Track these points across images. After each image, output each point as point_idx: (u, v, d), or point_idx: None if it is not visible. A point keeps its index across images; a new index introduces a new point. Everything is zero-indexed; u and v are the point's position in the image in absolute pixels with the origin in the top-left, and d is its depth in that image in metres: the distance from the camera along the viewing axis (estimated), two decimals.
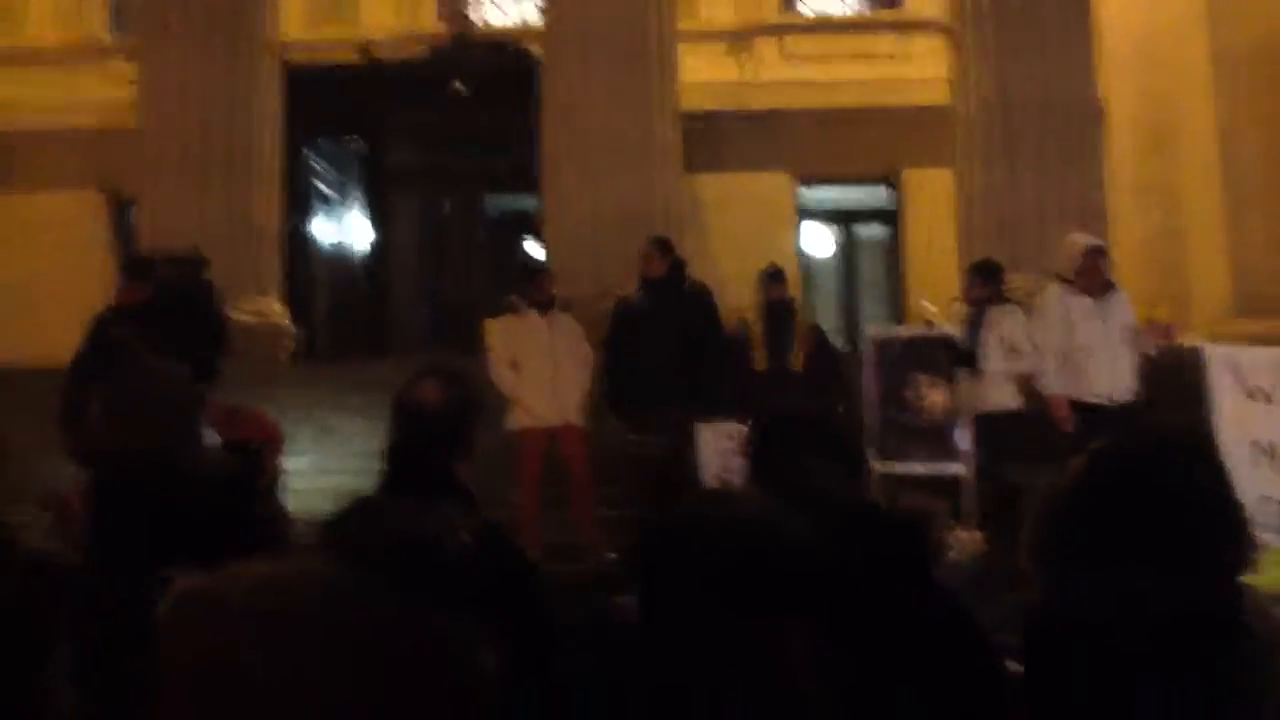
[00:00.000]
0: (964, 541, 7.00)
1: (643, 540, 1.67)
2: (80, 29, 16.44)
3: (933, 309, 10.01)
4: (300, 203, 14.76)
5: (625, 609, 1.68)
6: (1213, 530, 1.98)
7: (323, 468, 8.98)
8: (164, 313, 7.11)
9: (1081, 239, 7.38)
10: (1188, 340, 9.58)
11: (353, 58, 14.81)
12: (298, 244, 14.38)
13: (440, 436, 2.76)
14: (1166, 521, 1.96)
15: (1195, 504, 1.99)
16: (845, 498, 2.52)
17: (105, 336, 7.24)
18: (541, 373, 7.61)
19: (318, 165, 15.80)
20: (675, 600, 1.54)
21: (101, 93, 15.37)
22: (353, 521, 2.12)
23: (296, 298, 13.22)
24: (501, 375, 7.63)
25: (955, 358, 7.47)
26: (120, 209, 15.18)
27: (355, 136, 15.68)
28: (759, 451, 2.70)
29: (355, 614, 0.96)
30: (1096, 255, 7.12)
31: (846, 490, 2.58)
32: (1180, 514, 1.97)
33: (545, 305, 7.84)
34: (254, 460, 4.21)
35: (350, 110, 14.77)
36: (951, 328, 7.84)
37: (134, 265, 7.67)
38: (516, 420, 7.57)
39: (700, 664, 1.49)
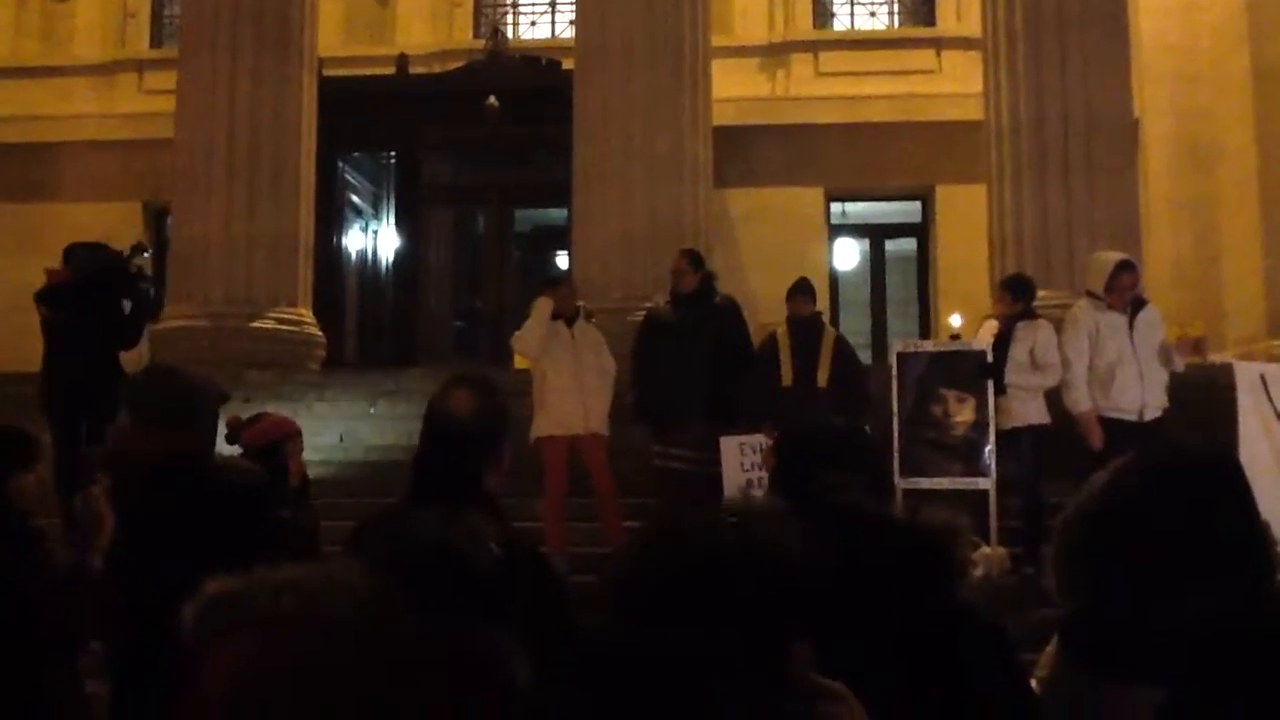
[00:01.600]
0: (989, 558, 6.96)
1: (620, 558, 1.65)
2: (122, 44, 16.71)
3: (955, 327, 9.96)
4: (334, 215, 14.90)
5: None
6: (1233, 547, 1.97)
7: (348, 474, 9.06)
8: (79, 289, 8.04)
9: (1110, 255, 7.32)
10: (1220, 358, 9.49)
11: (388, 72, 14.96)
12: (331, 255, 14.52)
13: (471, 447, 2.76)
14: (1186, 538, 1.96)
15: (1215, 521, 1.98)
16: (868, 512, 2.52)
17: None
18: (565, 383, 7.64)
19: (352, 178, 15.95)
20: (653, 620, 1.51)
21: (140, 105, 15.62)
22: (381, 530, 2.14)
23: (329, 308, 13.34)
24: (529, 333, 7.66)
25: (981, 372, 7.43)
26: (157, 218, 15.39)
27: (390, 151, 15.82)
28: (781, 465, 2.71)
29: (384, 620, 0.96)
30: (1125, 271, 7.07)
31: (869, 504, 2.58)
32: (1200, 531, 1.96)
33: (570, 317, 7.87)
34: (280, 463, 4.25)
35: (385, 124, 14.91)
36: (981, 343, 7.80)
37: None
38: (541, 428, 7.60)
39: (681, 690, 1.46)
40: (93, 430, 7.38)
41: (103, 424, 6.99)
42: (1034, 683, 2.38)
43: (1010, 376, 7.37)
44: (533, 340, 7.68)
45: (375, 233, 16.32)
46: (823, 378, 7.70)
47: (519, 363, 9.56)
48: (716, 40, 12.71)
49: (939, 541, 2.40)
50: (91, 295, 8.04)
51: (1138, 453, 2.14)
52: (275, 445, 4.42)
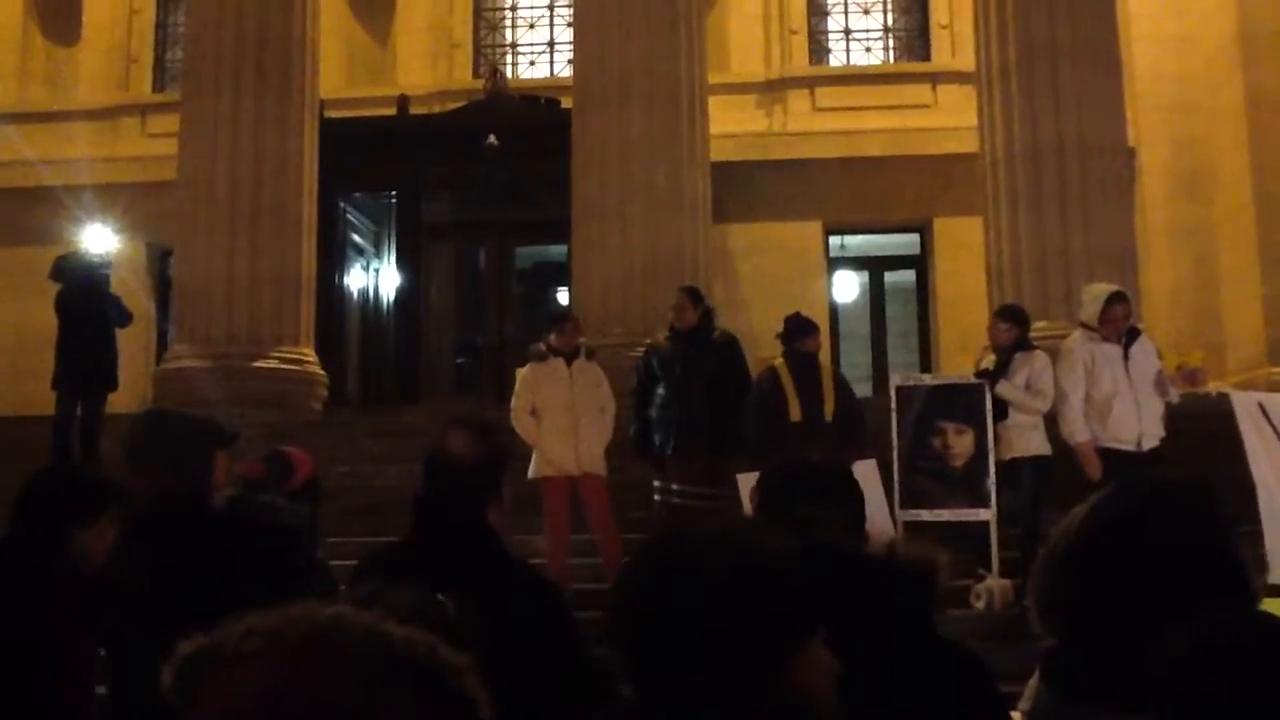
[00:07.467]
0: (991, 590, 6.95)
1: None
2: (125, 88, 16.88)
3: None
4: (335, 254, 14.99)
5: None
6: (1213, 577, 1.97)
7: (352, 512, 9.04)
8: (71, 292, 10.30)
9: (1102, 286, 7.35)
10: (1218, 386, 9.50)
11: (389, 113, 15.09)
12: (332, 294, 14.57)
13: (471, 488, 2.78)
14: (1166, 569, 1.96)
15: (1195, 551, 1.98)
16: (846, 549, 2.53)
17: None
18: (562, 422, 7.67)
19: (353, 217, 16.05)
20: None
21: (143, 148, 15.76)
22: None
23: (331, 347, 13.39)
24: (522, 422, 7.71)
25: (986, 402, 7.43)
26: (160, 259, 15.48)
27: (390, 190, 15.92)
28: (762, 500, 2.73)
29: (340, 655, 0.98)
30: (1118, 302, 7.09)
31: (848, 541, 2.59)
32: (1180, 561, 1.97)
33: (571, 354, 7.90)
34: (319, 495, 4.24)
35: (386, 164, 15.01)
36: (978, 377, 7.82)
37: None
38: (537, 469, 7.62)
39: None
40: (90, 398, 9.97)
41: (102, 393, 10.05)
42: (1018, 715, 2.39)
43: (1008, 408, 7.38)
44: (524, 427, 7.73)
45: (377, 271, 16.40)
46: (829, 411, 7.71)
47: None
48: (714, 77, 12.82)
49: (914, 575, 2.41)
50: (80, 294, 10.15)
51: (1117, 484, 2.16)
52: (315, 480, 4.39)
